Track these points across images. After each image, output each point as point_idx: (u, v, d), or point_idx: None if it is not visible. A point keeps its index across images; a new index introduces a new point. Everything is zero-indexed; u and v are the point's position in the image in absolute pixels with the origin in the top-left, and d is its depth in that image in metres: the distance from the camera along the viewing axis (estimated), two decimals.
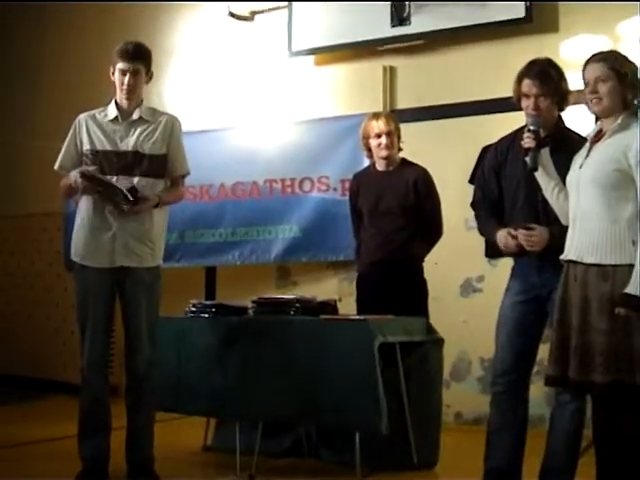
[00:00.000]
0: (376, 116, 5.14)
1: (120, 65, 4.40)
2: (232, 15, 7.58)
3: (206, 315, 4.97)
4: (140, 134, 4.43)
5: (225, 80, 7.66)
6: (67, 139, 4.54)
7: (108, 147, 4.41)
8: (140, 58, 4.42)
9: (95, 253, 4.36)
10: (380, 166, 5.14)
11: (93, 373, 4.36)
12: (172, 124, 4.52)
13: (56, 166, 4.56)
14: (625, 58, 3.57)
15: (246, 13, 7.59)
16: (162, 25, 8.02)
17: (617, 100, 3.51)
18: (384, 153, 5.05)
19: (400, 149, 5.15)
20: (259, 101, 7.48)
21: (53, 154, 7.83)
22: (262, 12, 7.55)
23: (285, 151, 7.14)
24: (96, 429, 4.36)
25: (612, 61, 3.52)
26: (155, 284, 4.47)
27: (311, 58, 7.27)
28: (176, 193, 4.60)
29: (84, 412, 4.39)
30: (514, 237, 3.80)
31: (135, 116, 4.45)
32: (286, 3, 7.22)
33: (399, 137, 5.10)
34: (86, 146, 4.45)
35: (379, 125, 5.04)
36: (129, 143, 4.41)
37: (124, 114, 4.46)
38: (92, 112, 4.54)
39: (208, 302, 5.22)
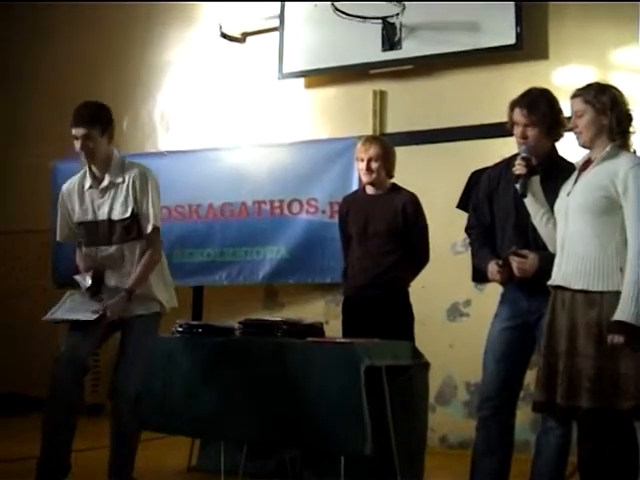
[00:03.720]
0: (365, 140, 5.14)
1: (72, 131, 4.30)
2: (223, 36, 7.61)
3: (192, 335, 4.95)
4: (111, 200, 4.38)
5: (216, 101, 7.67)
6: (58, 212, 4.56)
7: (89, 217, 4.42)
8: (87, 122, 4.26)
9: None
10: (369, 190, 5.14)
11: None
12: (134, 181, 4.35)
13: (58, 238, 4.61)
14: (605, 88, 3.57)
15: (237, 34, 7.62)
16: (153, 45, 8.05)
17: (595, 132, 3.53)
18: (364, 178, 5.06)
19: (391, 176, 5.11)
20: (249, 122, 7.50)
21: (39, 171, 7.96)
22: (253, 34, 7.58)
23: (274, 172, 7.14)
24: None
25: (587, 95, 3.54)
26: (148, 329, 4.46)
27: (301, 80, 7.29)
28: (149, 261, 4.38)
29: None
30: (501, 266, 3.83)
31: (105, 182, 4.38)
32: (277, 25, 7.25)
33: (388, 162, 5.05)
34: (74, 218, 4.48)
35: (362, 150, 5.04)
36: (104, 212, 4.38)
37: (96, 181, 4.41)
38: (73, 180, 4.52)
39: (195, 322, 5.19)
